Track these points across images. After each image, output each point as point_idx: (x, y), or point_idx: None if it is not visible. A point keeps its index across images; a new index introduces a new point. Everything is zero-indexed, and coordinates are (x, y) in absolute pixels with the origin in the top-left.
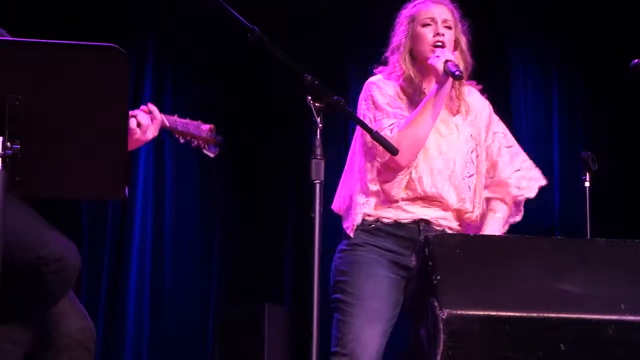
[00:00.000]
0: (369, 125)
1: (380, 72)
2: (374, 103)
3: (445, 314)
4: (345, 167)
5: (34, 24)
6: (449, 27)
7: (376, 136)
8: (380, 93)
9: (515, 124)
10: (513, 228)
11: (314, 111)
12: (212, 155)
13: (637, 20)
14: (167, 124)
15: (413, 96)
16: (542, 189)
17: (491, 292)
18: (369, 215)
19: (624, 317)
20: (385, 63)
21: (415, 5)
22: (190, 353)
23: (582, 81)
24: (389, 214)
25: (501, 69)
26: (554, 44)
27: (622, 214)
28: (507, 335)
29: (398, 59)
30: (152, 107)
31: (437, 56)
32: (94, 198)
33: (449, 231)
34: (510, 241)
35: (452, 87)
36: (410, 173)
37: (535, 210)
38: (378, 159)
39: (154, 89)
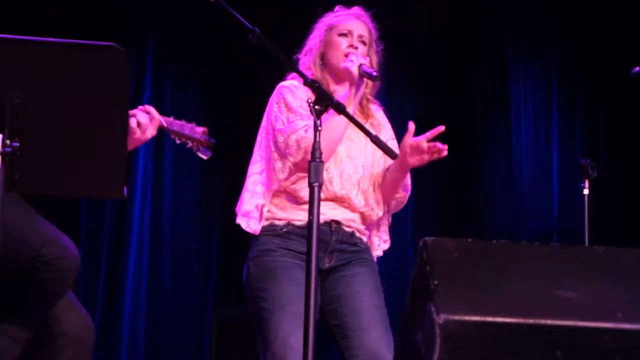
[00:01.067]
0: (282, 125)
1: (293, 78)
2: (286, 105)
3: (442, 318)
4: (248, 169)
5: (34, 23)
6: (364, 43)
7: (375, 139)
8: (293, 96)
9: (514, 129)
10: (511, 233)
11: (315, 114)
12: (205, 157)
13: (638, 23)
14: (165, 124)
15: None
16: (541, 196)
17: (488, 297)
18: (278, 219)
19: (620, 325)
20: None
21: (337, 16)
22: (188, 353)
23: (582, 86)
24: (300, 217)
25: (500, 73)
26: (553, 47)
27: (621, 222)
28: (503, 340)
29: (308, 61)
30: (150, 108)
31: (351, 60)
32: (93, 197)
33: (357, 233)
34: (508, 247)
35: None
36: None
37: (534, 217)
38: (291, 159)
39: (153, 88)
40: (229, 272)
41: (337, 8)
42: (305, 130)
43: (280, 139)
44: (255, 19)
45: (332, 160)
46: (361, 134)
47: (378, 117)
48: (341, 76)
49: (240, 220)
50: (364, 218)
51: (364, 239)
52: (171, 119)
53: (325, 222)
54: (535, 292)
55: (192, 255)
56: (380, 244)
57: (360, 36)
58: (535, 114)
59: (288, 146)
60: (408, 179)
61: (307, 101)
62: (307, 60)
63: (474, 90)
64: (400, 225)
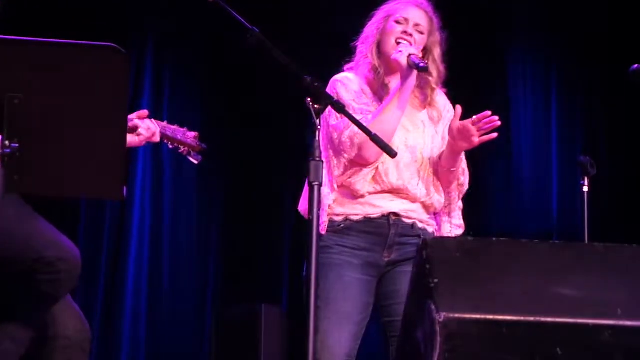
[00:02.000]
0: (335, 122)
1: (349, 69)
2: (339, 99)
3: (442, 317)
4: None
5: (34, 23)
6: (421, 32)
7: (375, 139)
8: (346, 90)
9: (514, 127)
10: (511, 231)
11: (313, 113)
12: (196, 162)
13: (638, 22)
14: (159, 130)
15: (378, 91)
16: (541, 194)
17: (488, 295)
18: (336, 215)
19: (621, 322)
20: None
21: (397, 3)
22: (187, 353)
23: (582, 84)
24: (357, 211)
25: (500, 71)
26: (553, 45)
27: (621, 219)
28: (504, 338)
29: (365, 50)
30: (144, 113)
31: (400, 51)
32: (93, 197)
33: (420, 224)
34: (508, 244)
35: (419, 83)
36: (377, 167)
37: (533, 214)
38: (345, 155)
39: (153, 89)
40: (228, 271)
41: None
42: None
43: (335, 136)
44: (254, 18)
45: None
46: (418, 122)
47: (440, 106)
48: (392, 66)
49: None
50: (426, 208)
51: (430, 229)
52: (164, 123)
53: (383, 215)
54: (535, 289)
55: (191, 255)
56: (452, 229)
57: (416, 25)
58: (534, 112)
59: (342, 142)
60: (464, 163)
61: (306, 100)
62: (364, 48)
63: (473, 89)
64: None
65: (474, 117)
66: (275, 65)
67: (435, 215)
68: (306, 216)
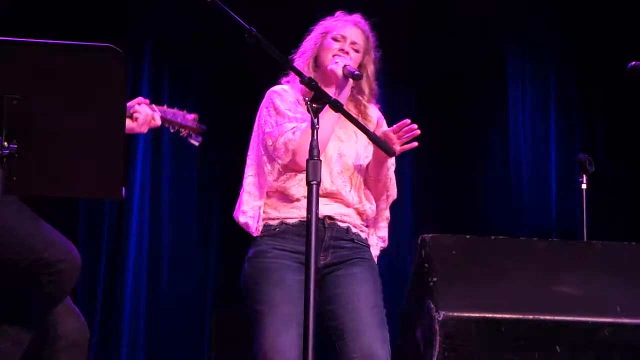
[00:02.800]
0: (270, 129)
1: (285, 82)
2: (275, 109)
3: (441, 315)
4: (244, 172)
5: (32, 24)
6: (357, 51)
7: (373, 137)
8: (281, 100)
9: (512, 126)
10: (510, 229)
11: (312, 112)
12: (197, 143)
13: (637, 21)
14: (159, 114)
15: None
16: (539, 193)
17: (487, 294)
18: (271, 219)
19: (619, 320)
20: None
21: (335, 20)
22: (187, 354)
23: (580, 83)
24: (293, 214)
25: (499, 70)
26: (552, 45)
27: (619, 216)
28: (502, 337)
29: (302, 63)
30: (143, 100)
31: (336, 62)
32: (92, 197)
33: (354, 229)
34: (506, 243)
35: (352, 97)
36: None
37: (532, 212)
38: (279, 161)
39: (151, 88)
40: (228, 271)
41: (338, 13)
42: (293, 133)
43: (269, 142)
44: (253, 18)
45: (322, 159)
46: (351, 132)
47: (373, 119)
48: (328, 79)
49: (242, 221)
50: (359, 214)
51: (363, 235)
52: (164, 107)
53: (319, 219)
54: (534, 287)
55: (190, 255)
56: (378, 243)
57: (353, 42)
58: (533, 111)
59: (276, 149)
60: (391, 172)
61: (305, 99)
62: (301, 62)
63: (472, 88)
64: (399, 223)
65: (394, 125)
66: (273, 64)
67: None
68: (240, 217)
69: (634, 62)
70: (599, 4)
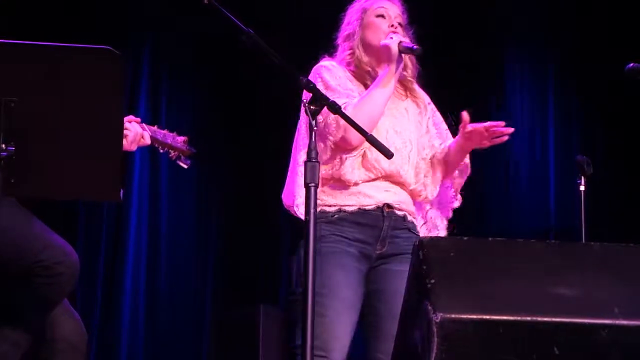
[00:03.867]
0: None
1: (326, 59)
2: (324, 84)
3: (439, 317)
4: (291, 160)
5: (30, 27)
6: (400, 25)
7: (371, 139)
8: (331, 75)
9: (510, 126)
10: (509, 231)
11: (310, 114)
12: (185, 166)
13: (635, 23)
14: (149, 133)
15: (364, 81)
16: (538, 194)
17: (485, 295)
18: (328, 206)
19: (617, 321)
20: (331, 54)
21: (367, 1)
22: (186, 355)
23: (578, 84)
24: (351, 201)
25: (497, 71)
26: (550, 46)
27: (618, 218)
28: (500, 338)
29: (351, 46)
30: (133, 118)
31: (391, 37)
32: (90, 200)
33: (409, 216)
34: (504, 244)
35: (401, 74)
36: (365, 153)
37: (530, 214)
38: (330, 138)
39: (149, 91)
40: (227, 273)
41: None
42: (344, 108)
43: (320, 119)
44: (251, 20)
45: (377, 135)
46: (402, 110)
47: (421, 97)
48: (378, 59)
49: (295, 208)
50: (413, 196)
51: (416, 222)
52: (154, 128)
53: (378, 207)
54: (531, 289)
55: (189, 257)
56: (444, 223)
57: (397, 16)
58: (531, 112)
59: (327, 125)
60: (467, 163)
61: (302, 101)
62: (348, 45)
63: (470, 89)
64: None
65: (487, 123)
66: (271, 67)
67: (422, 207)
68: (290, 208)
69: (632, 64)
70: (598, 5)
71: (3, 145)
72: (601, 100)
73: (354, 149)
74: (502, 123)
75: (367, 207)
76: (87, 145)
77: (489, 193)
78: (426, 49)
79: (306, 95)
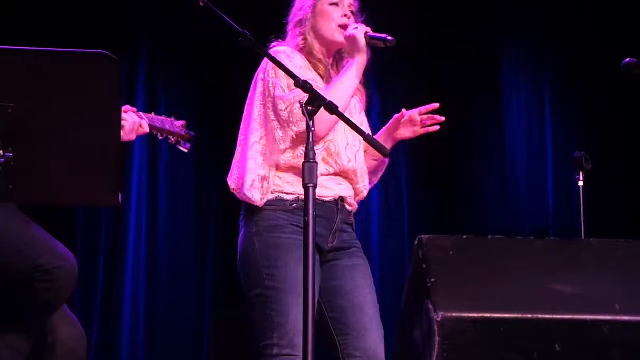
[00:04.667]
0: (282, 93)
1: (279, 44)
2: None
3: (440, 316)
4: (241, 141)
5: (29, 32)
6: (353, 13)
7: (369, 138)
8: (291, 62)
9: (507, 124)
10: (508, 229)
11: (307, 115)
12: (186, 150)
13: (628, 22)
14: (147, 121)
15: (317, 69)
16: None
17: (485, 294)
18: (286, 194)
19: (618, 317)
20: (283, 38)
21: None
22: (186, 358)
23: (575, 81)
24: None
25: (493, 69)
26: (546, 44)
27: (616, 213)
28: (501, 336)
29: (302, 32)
30: (130, 108)
31: (356, 27)
32: (88, 205)
33: (353, 213)
34: (504, 243)
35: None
36: (329, 147)
37: (529, 211)
38: (294, 128)
39: (146, 95)
40: (225, 276)
41: None
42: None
43: (282, 107)
44: (246, 21)
45: (337, 131)
46: (353, 106)
47: (363, 92)
48: (332, 47)
49: (246, 192)
50: (357, 195)
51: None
52: (152, 115)
53: (334, 200)
54: (532, 286)
55: (188, 259)
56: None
57: (350, 5)
58: (528, 109)
59: (292, 114)
60: (386, 162)
61: (299, 102)
62: (299, 31)
63: (467, 87)
64: (397, 223)
65: (422, 107)
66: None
67: None
68: (237, 192)
69: (628, 59)
70: (595, 5)
71: (1, 152)
72: (598, 96)
73: (320, 140)
74: (436, 105)
75: (325, 199)
76: (85, 150)
77: (487, 191)
78: (422, 54)
79: (264, 66)
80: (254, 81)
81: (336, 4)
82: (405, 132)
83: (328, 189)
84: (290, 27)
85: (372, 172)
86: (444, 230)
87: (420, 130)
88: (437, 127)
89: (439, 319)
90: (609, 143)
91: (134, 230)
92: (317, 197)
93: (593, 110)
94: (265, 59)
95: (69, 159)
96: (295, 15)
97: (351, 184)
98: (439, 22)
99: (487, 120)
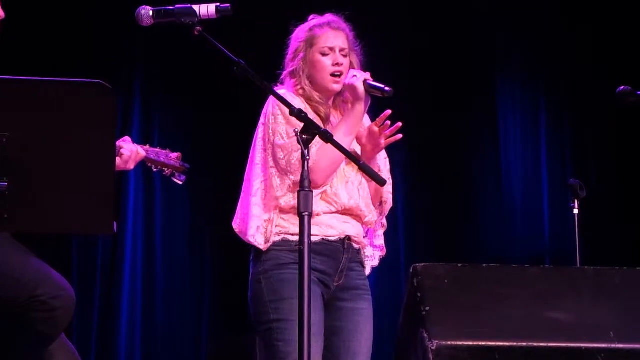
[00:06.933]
0: (282, 141)
1: (281, 88)
2: (285, 118)
3: (435, 344)
4: (244, 186)
5: (22, 63)
6: (345, 56)
7: (364, 167)
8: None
9: (503, 152)
10: (503, 256)
11: (302, 143)
12: (180, 182)
13: (624, 49)
14: (143, 154)
15: (317, 112)
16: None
17: (480, 321)
18: (291, 234)
19: (613, 345)
20: (281, 82)
21: (312, 29)
22: None
23: (569, 108)
24: (315, 231)
25: (489, 96)
26: (542, 71)
27: (612, 240)
28: None
29: (298, 82)
30: (127, 139)
31: (355, 75)
32: (83, 233)
33: (362, 251)
34: (498, 271)
35: (343, 99)
36: (325, 190)
37: (525, 238)
38: (292, 177)
39: (142, 121)
40: (223, 302)
41: (310, 17)
42: (310, 147)
43: (281, 155)
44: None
45: (336, 174)
46: (355, 142)
47: (363, 123)
48: (330, 94)
49: (250, 237)
50: (365, 226)
51: (364, 257)
52: (147, 147)
53: (340, 239)
54: (527, 314)
55: (185, 286)
56: (375, 253)
57: (342, 49)
58: (523, 136)
59: (290, 164)
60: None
61: (294, 131)
62: (295, 81)
63: (462, 113)
64: (392, 251)
65: (377, 119)
66: (262, 94)
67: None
68: (242, 236)
69: (622, 87)
70: (585, 28)
71: None
72: (593, 123)
73: (318, 187)
74: (388, 112)
75: (330, 238)
76: (80, 179)
77: (483, 219)
78: (416, 75)
79: (265, 111)
80: (261, 120)
81: (326, 54)
82: (372, 149)
83: (332, 228)
84: (285, 74)
85: (375, 194)
86: (440, 259)
87: (383, 143)
88: (400, 135)
89: (433, 347)
90: (604, 171)
91: (130, 257)
92: (322, 236)
93: (588, 138)
94: (266, 104)
95: (63, 188)
96: (288, 65)
97: (358, 220)
98: (434, 48)
99: (483, 147)
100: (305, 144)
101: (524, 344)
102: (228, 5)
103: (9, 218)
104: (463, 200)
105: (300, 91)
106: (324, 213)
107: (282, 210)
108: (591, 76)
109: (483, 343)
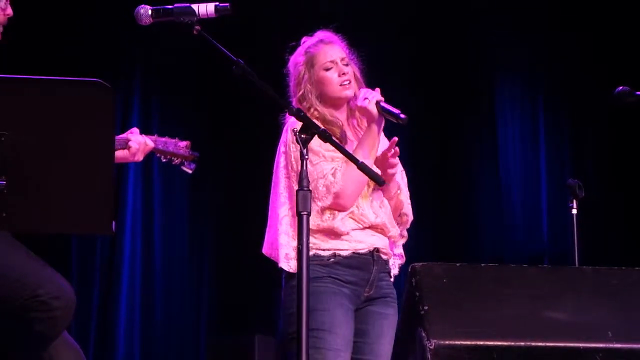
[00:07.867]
0: (309, 167)
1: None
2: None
3: (433, 344)
4: (270, 211)
5: (20, 62)
6: (347, 64)
7: (362, 166)
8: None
9: (502, 153)
10: (502, 256)
11: (301, 143)
12: (190, 171)
13: (622, 51)
14: (152, 145)
15: (333, 132)
16: (531, 218)
17: (478, 321)
18: (322, 250)
19: (611, 345)
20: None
21: (307, 51)
22: None
23: (568, 111)
24: (345, 246)
25: (487, 99)
26: (540, 74)
27: (611, 240)
28: None
29: (310, 106)
30: (135, 130)
31: (365, 97)
32: (81, 233)
33: (389, 260)
34: (497, 270)
35: (354, 114)
36: (353, 211)
37: (524, 238)
38: (319, 203)
39: (141, 120)
40: (222, 302)
41: (303, 40)
42: (333, 174)
43: (305, 182)
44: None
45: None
46: (354, 140)
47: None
48: (342, 102)
49: (282, 264)
50: (390, 242)
51: (390, 266)
52: (155, 137)
53: (369, 251)
54: (525, 314)
55: (184, 286)
56: (396, 261)
57: (342, 59)
58: (522, 137)
59: (317, 190)
60: (405, 195)
61: (293, 130)
62: (306, 105)
63: (460, 116)
64: None
65: (387, 147)
66: (261, 94)
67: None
68: (276, 262)
69: (620, 87)
70: (584, 31)
71: None
72: (592, 124)
73: (346, 210)
74: (396, 139)
75: (360, 251)
76: (79, 178)
77: (482, 218)
78: (416, 76)
79: (284, 139)
80: (277, 151)
81: (329, 68)
82: (388, 169)
83: (361, 242)
84: (294, 101)
85: (395, 208)
86: (439, 259)
87: (395, 162)
88: (397, 149)
89: (432, 347)
90: (603, 171)
91: (129, 257)
92: (352, 250)
93: (587, 139)
94: (284, 131)
95: (62, 187)
96: (295, 92)
97: (383, 234)
98: (434, 48)
99: (482, 148)
100: (304, 144)
101: (522, 343)
102: (227, 4)
103: (7, 217)
104: (462, 200)
105: (315, 113)
106: (352, 230)
107: (311, 232)
108: (590, 76)
109: (481, 342)
